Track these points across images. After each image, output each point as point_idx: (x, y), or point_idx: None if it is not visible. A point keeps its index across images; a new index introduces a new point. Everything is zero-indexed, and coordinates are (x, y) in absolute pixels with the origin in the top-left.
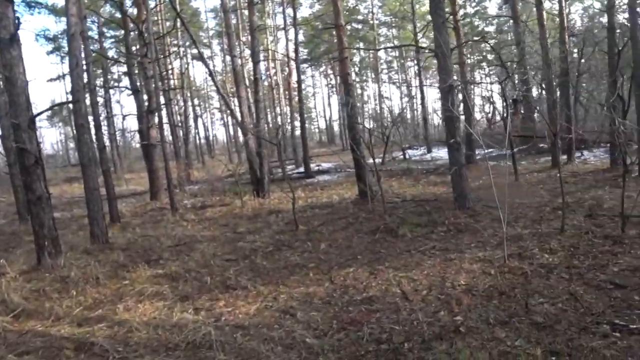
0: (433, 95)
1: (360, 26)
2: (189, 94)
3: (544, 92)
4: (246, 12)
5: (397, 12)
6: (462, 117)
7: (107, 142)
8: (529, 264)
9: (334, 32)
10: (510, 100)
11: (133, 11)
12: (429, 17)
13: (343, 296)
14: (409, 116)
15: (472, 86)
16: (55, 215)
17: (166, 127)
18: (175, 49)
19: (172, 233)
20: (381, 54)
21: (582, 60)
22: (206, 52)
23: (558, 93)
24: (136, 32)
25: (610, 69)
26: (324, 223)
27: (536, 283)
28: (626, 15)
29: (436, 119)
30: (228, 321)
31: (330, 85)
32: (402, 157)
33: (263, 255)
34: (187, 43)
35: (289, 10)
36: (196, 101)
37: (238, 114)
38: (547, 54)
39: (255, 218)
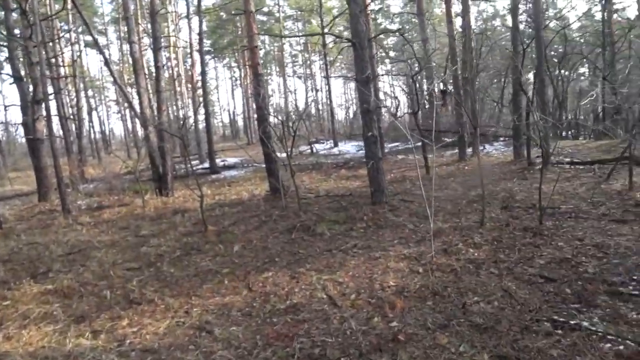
0: (338, 90)
1: (265, 18)
2: (82, 85)
3: (450, 87)
4: None
5: (303, 5)
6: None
7: None
8: (457, 260)
9: (239, 24)
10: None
11: None
12: (335, 12)
13: (264, 305)
14: (313, 110)
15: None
16: None
17: (55, 119)
18: (67, 34)
19: (64, 239)
20: (286, 47)
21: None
22: (101, 40)
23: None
24: (19, 12)
25: (515, 67)
26: (235, 222)
27: (467, 280)
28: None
29: (341, 113)
30: (134, 345)
31: (234, 78)
32: (309, 151)
33: (170, 262)
34: (80, 29)
35: None
36: (90, 92)
37: (137, 106)
38: (454, 49)
39: (159, 219)
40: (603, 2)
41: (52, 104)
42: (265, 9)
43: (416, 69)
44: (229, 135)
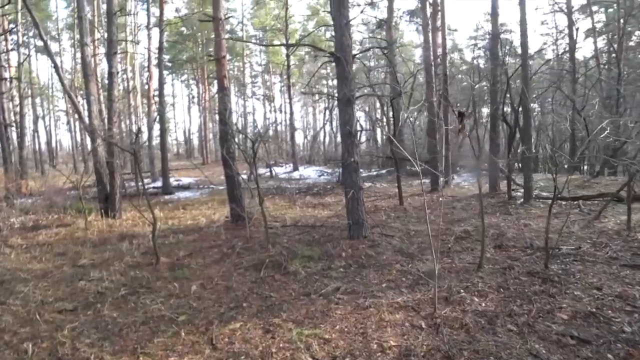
0: (297, 113)
1: (227, 35)
2: (29, 91)
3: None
4: None
5: (267, 25)
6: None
7: None
8: (462, 311)
9: (200, 40)
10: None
11: None
12: (298, 35)
13: None
14: (271, 132)
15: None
16: None
17: None
18: (13, 34)
19: None
20: (246, 67)
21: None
22: (54, 47)
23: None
24: None
25: (492, 97)
26: (192, 253)
27: (484, 340)
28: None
29: (300, 137)
30: None
31: (191, 95)
32: (268, 174)
33: (113, 303)
34: (31, 32)
35: (154, 10)
36: (38, 100)
37: (86, 115)
38: (430, 75)
39: (103, 245)
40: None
41: None
42: (228, 27)
43: (384, 93)
44: (183, 153)
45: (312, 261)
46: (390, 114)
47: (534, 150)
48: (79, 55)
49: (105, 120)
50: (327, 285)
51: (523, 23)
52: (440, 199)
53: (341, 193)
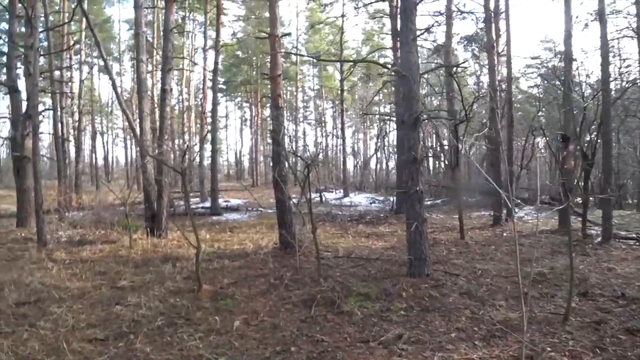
0: (349, 137)
1: (284, 53)
2: (89, 108)
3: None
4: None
5: (322, 50)
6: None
7: None
8: None
9: (255, 63)
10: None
11: None
12: (353, 57)
13: None
14: (322, 157)
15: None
16: None
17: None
18: (78, 53)
19: (27, 280)
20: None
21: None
22: (115, 67)
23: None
24: (24, 18)
25: (566, 125)
26: (237, 282)
27: None
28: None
29: (350, 162)
30: None
31: (244, 118)
32: (318, 199)
33: (148, 335)
34: (95, 53)
35: (211, 32)
36: (99, 119)
37: (138, 131)
38: (495, 100)
39: (145, 265)
40: None
41: (49, 122)
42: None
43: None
44: (233, 175)
45: (369, 300)
46: (443, 140)
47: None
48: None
49: (157, 136)
50: (388, 331)
51: (604, 44)
52: (505, 233)
53: (396, 223)
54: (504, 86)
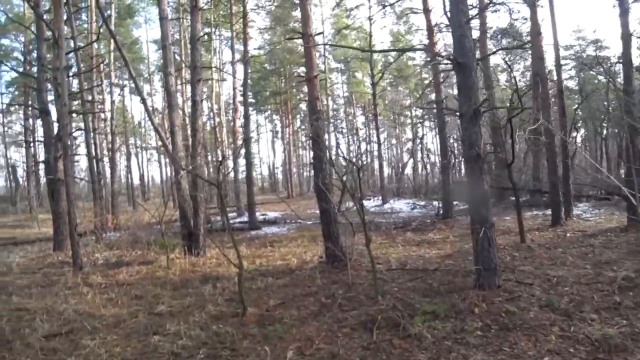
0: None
1: (318, 55)
2: (123, 128)
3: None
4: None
5: (350, 56)
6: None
7: (22, 176)
8: None
9: (283, 75)
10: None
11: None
12: (381, 66)
13: None
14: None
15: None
16: None
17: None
18: (107, 74)
19: (61, 307)
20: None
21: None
22: (146, 88)
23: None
24: (51, 40)
25: (627, 110)
26: (285, 303)
27: None
28: None
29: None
30: None
31: (274, 131)
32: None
33: None
34: (125, 75)
35: (238, 46)
36: (132, 140)
37: (170, 146)
38: (546, 90)
39: (184, 287)
40: None
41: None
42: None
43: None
44: (267, 187)
45: (438, 319)
46: (486, 134)
47: None
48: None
49: (190, 151)
50: (467, 358)
51: None
52: (568, 233)
53: (444, 229)
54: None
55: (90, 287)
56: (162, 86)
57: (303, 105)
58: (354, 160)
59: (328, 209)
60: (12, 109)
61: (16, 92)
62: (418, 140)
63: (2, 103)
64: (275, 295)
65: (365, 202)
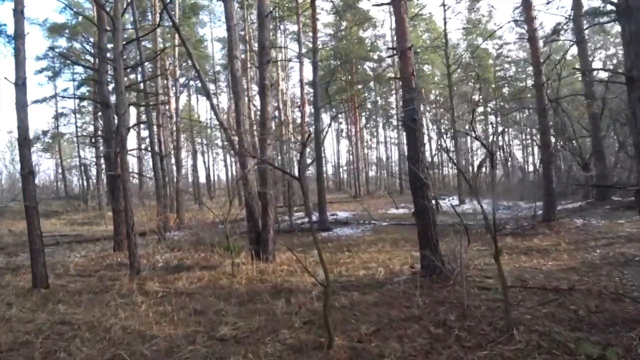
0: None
1: (373, 65)
2: (189, 126)
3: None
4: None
5: (421, 47)
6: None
7: (93, 174)
8: None
9: (345, 70)
10: None
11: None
12: (462, 49)
13: None
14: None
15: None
16: None
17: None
18: (170, 69)
19: (109, 323)
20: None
21: None
22: (211, 87)
23: None
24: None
25: None
26: (380, 330)
27: None
28: None
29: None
30: None
31: (340, 129)
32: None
33: None
34: (191, 73)
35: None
36: (199, 139)
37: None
38: None
39: (251, 301)
40: None
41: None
42: (376, 56)
43: None
44: (332, 187)
45: None
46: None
47: None
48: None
49: (258, 144)
50: None
51: None
52: None
53: (550, 234)
54: None
55: (145, 296)
56: (227, 85)
57: (369, 104)
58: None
59: (426, 208)
60: (83, 110)
61: (86, 92)
62: (496, 137)
63: (75, 104)
64: (366, 318)
65: (441, 202)
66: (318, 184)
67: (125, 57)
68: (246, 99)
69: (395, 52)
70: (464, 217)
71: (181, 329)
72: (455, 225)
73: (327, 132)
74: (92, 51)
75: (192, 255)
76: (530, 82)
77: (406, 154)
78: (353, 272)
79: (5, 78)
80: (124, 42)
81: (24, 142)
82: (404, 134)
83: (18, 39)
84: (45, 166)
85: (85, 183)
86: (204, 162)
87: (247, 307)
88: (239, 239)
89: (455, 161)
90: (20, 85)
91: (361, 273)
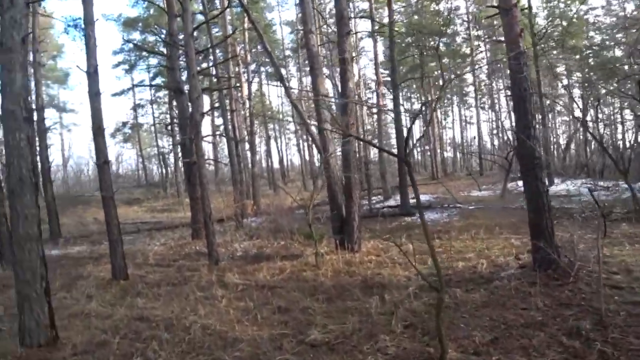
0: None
1: (448, 40)
2: (262, 112)
3: None
4: None
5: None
6: None
7: (171, 162)
8: None
9: (419, 44)
10: None
11: None
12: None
13: None
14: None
15: None
16: None
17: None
18: (240, 54)
19: (188, 320)
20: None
21: None
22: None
23: None
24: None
25: None
26: (498, 340)
27: None
28: None
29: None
30: None
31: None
32: (521, 188)
33: None
34: (263, 58)
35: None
36: (271, 125)
37: (313, 127)
38: None
39: (340, 298)
40: None
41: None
42: (450, 30)
43: None
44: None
45: None
46: None
47: None
48: (306, 80)
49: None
50: None
51: None
52: None
53: None
54: None
55: (225, 289)
56: (298, 70)
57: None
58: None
59: (540, 192)
60: (159, 100)
61: (161, 83)
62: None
63: (151, 94)
64: (477, 322)
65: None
66: (399, 165)
67: (196, 43)
68: (324, 77)
69: (498, 10)
70: (556, 199)
71: (266, 330)
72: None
73: (426, 113)
74: (164, 38)
75: (271, 243)
76: (619, 52)
77: (513, 128)
78: (449, 263)
79: (77, 66)
80: (193, 26)
81: (98, 131)
82: (511, 104)
83: (88, 25)
84: (127, 156)
85: (164, 171)
86: (277, 148)
87: (336, 304)
88: (319, 225)
89: (597, 138)
90: (92, 73)
91: (460, 265)
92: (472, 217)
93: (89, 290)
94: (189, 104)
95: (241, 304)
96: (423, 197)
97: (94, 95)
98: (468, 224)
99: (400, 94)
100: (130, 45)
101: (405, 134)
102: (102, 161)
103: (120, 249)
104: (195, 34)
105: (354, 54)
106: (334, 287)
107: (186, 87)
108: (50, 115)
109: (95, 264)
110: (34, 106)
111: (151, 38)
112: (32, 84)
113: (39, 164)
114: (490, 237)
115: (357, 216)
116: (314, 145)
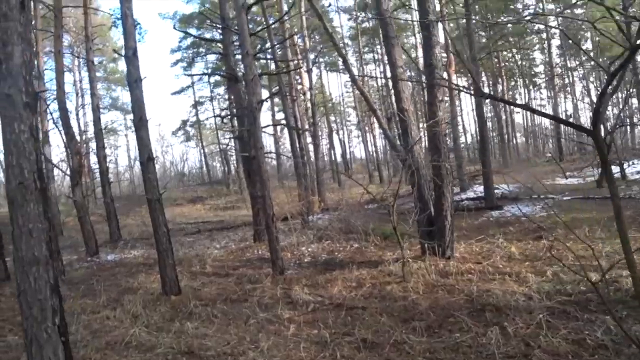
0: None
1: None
2: (323, 105)
3: None
4: None
5: None
6: None
7: (233, 158)
8: None
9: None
10: None
11: None
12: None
13: None
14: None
15: None
16: None
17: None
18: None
19: (246, 358)
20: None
21: None
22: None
23: None
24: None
25: None
26: None
27: None
28: None
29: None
30: None
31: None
32: (618, 174)
33: None
34: (321, 47)
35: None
36: (333, 117)
37: (384, 116)
38: None
39: (442, 327)
40: None
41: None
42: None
43: None
44: (472, 157)
45: None
46: None
47: None
48: (367, 68)
49: (422, 111)
50: None
51: None
52: None
53: None
54: None
55: (292, 309)
56: (357, 59)
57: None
58: None
59: None
60: (218, 97)
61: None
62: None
63: (211, 90)
64: None
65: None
66: (481, 152)
67: (251, 29)
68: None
69: None
70: None
71: None
72: None
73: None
74: (219, 25)
75: (343, 246)
76: None
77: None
78: (573, 276)
79: (114, 51)
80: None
81: (140, 123)
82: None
83: (124, 2)
84: (191, 154)
85: (226, 168)
86: (340, 140)
87: (440, 336)
88: (400, 222)
89: None
90: (130, 57)
91: (593, 278)
92: (572, 210)
93: (134, 309)
94: (244, 91)
95: (313, 332)
96: (504, 188)
97: (134, 82)
98: (572, 219)
99: (464, 78)
100: (187, 42)
101: (596, 102)
102: (145, 157)
103: (170, 261)
104: (249, 17)
105: (419, 38)
106: (432, 309)
107: (241, 72)
108: (114, 117)
109: (148, 272)
110: (52, 95)
111: (207, 35)
112: (86, 81)
113: (97, 164)
114: (613, 237)
115: (450, 214)
116: (382, 135)
